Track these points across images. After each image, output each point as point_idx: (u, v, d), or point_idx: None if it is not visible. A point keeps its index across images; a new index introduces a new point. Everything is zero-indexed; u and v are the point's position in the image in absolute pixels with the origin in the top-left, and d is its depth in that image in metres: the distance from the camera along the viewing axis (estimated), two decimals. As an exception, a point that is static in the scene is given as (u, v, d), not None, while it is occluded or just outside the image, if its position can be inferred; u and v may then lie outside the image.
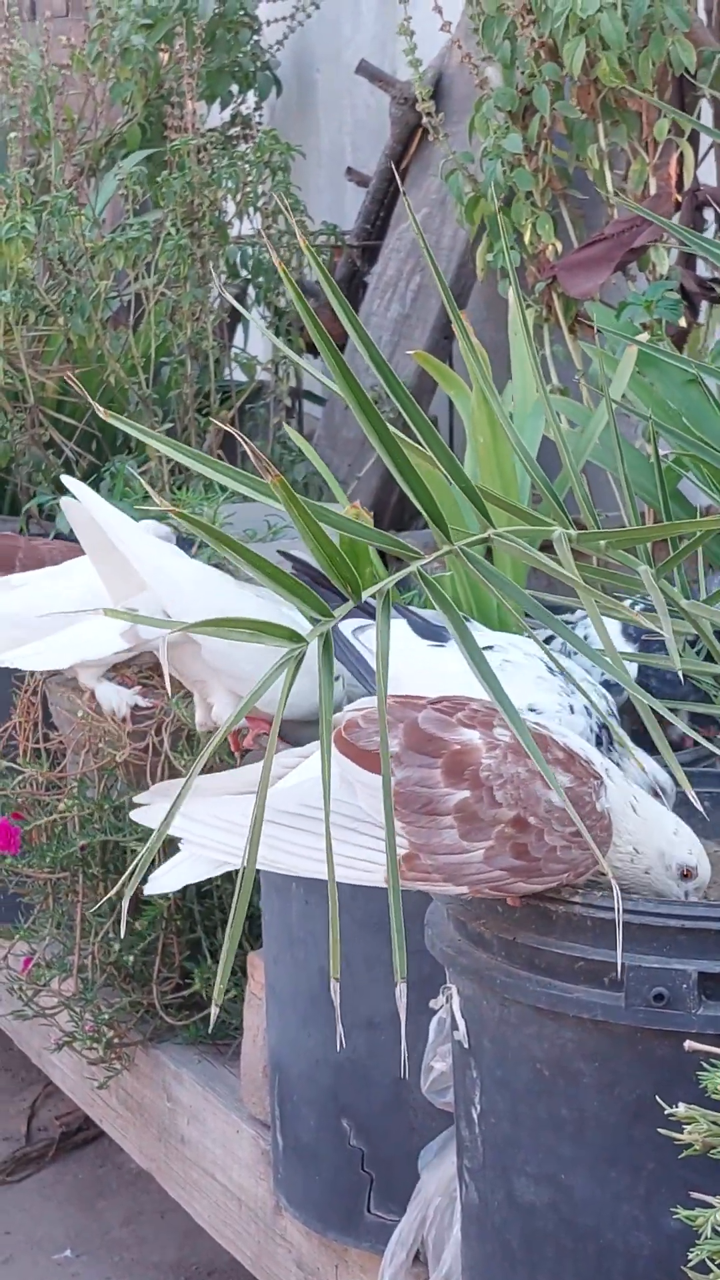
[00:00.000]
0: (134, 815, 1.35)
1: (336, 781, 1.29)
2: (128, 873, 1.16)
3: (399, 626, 1.60)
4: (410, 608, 1.66)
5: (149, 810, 1.34)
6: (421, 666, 1.57)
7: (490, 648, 1.57)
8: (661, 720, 1.28)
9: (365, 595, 1.22)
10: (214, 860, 1.32)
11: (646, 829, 1.32)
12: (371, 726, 1.31)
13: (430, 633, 1.59)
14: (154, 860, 1.23)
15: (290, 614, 1.68)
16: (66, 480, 1.89)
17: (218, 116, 3.83)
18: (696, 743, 1.71)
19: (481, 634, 1.60)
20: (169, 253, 2.96)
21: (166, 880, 1.35)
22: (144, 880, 1.34)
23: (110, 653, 1.94)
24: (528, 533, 1.33)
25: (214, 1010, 1.18)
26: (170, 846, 1.38)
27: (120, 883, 1.16)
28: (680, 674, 1.63)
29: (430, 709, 1.32)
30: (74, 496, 1.86)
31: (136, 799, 1.35)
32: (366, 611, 1.60)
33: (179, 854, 1.36)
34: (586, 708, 1.52)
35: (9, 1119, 2.97)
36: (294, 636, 1.19)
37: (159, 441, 1.28)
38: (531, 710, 1.56)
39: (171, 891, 1.49)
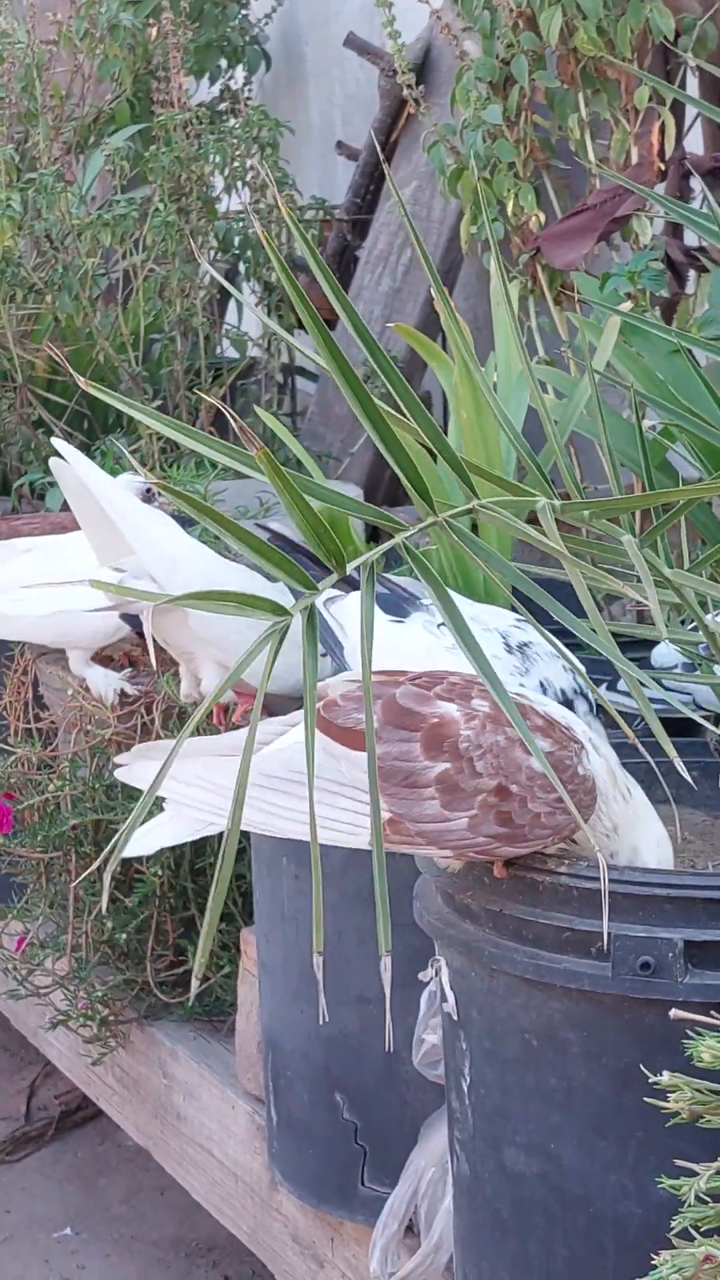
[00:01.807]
0: (118, 774, 1.34)
1: (320, 753, 1.29)
2: (116, 837, 1.15)
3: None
4: (389, 577, 1.65)
5: (132, 770, 1.33)
6: (379, 642, 1.57)
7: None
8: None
9: (350, 568, 1.22)
10: (198, 820, 1.31)
11: (630, 821, 1.32)
12: (350, 705, 1.31)
13: (393, 608, 1.59)
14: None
15: (280, 589, 1.68)
16: (58, 443, 1.88)
17: (207, 92, 3.81)
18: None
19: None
20: (157, 229, 2.94)
21: (146, 842, 1.35)
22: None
23: (95, 606, 1.91)
24: (512, 503, 1.31)
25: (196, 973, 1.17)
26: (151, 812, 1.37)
27: (108, 849, 1.15)
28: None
29: (408, 684, 1.32)
30: (65, 459, 1.85)
31: (117, 759, 1.35)
32: (351, 584, 1.59)
33: (159, 816, 1.35)
34: (542, 683, 1.51)
35: (8, 1098, 2.97)
36: (279, 610, 1.19)
37: (150, 417, 1.27)
38: None
39: (149, 853, 1.48)
